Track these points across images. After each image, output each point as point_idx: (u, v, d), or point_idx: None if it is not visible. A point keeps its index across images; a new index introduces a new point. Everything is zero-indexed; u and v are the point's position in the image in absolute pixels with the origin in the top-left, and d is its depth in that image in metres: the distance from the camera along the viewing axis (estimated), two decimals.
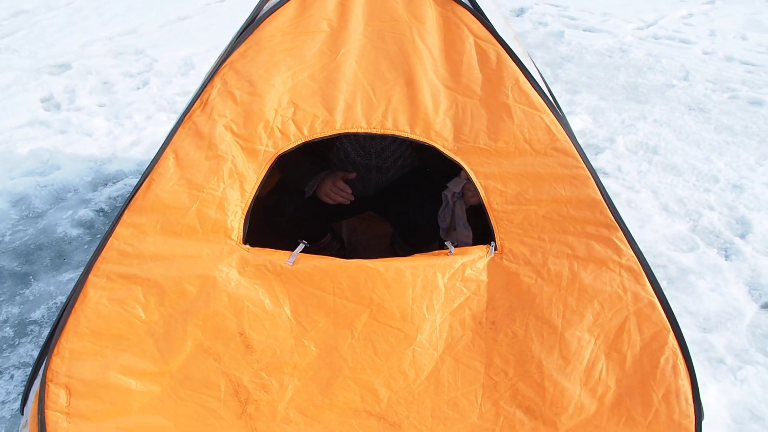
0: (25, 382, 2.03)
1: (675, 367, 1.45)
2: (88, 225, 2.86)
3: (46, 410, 1.48)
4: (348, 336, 1.54)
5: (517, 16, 6.16)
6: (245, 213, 1.49)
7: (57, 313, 2.33)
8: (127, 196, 2.94)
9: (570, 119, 3.87)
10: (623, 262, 1.45)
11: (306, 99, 1.47)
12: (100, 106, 3.96)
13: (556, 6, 6.41)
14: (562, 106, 4.07)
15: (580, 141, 3.63)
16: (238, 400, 1.57)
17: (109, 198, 3.05)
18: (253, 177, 1.48)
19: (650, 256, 2.67)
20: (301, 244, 1.52)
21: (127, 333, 1.49)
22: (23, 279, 2.53)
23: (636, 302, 1.45)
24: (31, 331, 2.27)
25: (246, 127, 1.46)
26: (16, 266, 2.60)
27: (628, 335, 1.47)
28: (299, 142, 1.48)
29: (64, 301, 2.34)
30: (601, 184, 1.45)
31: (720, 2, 6.52)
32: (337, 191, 1.92)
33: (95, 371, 1.49)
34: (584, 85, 4.55)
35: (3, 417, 1.94)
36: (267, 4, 1.51)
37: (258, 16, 1.49)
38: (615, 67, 4.87)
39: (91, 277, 1.45)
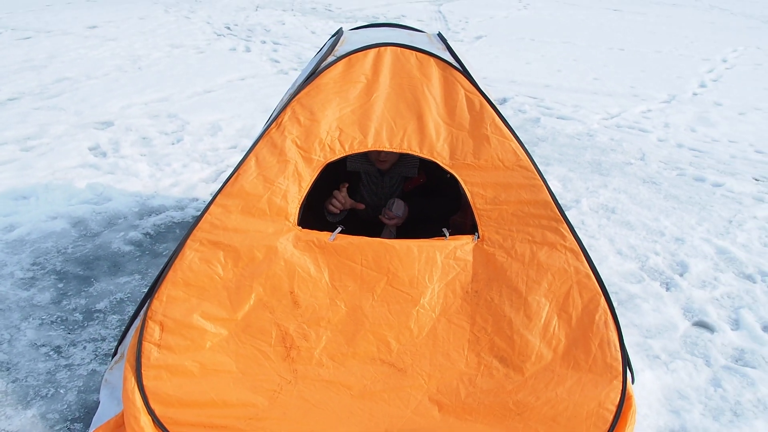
0: (93, 356, 2.50)
1: (606, 322, 2.01)
2: (137, 244, 3.40)
3: (143, 342, 1.98)
4: (370, 298, 2.08)
5: (500, 104, 7.07)
6: (300, 203, 2.08)
7: (118, 305, 2.83)
8: (169, 225, 3.52)
9: None
10: (567, 245, 2.04)
11: (348, 126, 2.10)
12: (142, 155, 4.60)
13: (534, 98, 7.35)
14: None
15: None
16: (284, 346, 2.08)
17: (155, 225, 3.61)
18: (308, 177, 2.08)
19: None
20: (339, 227, 2.10)
21: (209, 286, 2.02)
22: (86, 280, 3.03)
23: (577, 274, 2.03)
24: (97, 317, 2.75)
25: (306, 142, 2.08)
26: (79, 271, 3.11)
27: (572, 299, 2.03)
28: (342, 154, 2.10)
29: (122, 297, 2.88)
30: (551, 190, 2.06)
31: (675, 102, 7.52)
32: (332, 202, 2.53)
33: (183, 313, 2.00)
34: (556, 159, 5.31)
35: (81, 374, 2.39)
36: (324, 63, 2.18)
37: (317, 70, 2.14)
38: (582, 147, 5.67)
39: (189, 241, 2.00)
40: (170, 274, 2.00)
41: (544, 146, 5.63)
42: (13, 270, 3.04)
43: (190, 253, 2.01)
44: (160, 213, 3.76)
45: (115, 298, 2.89)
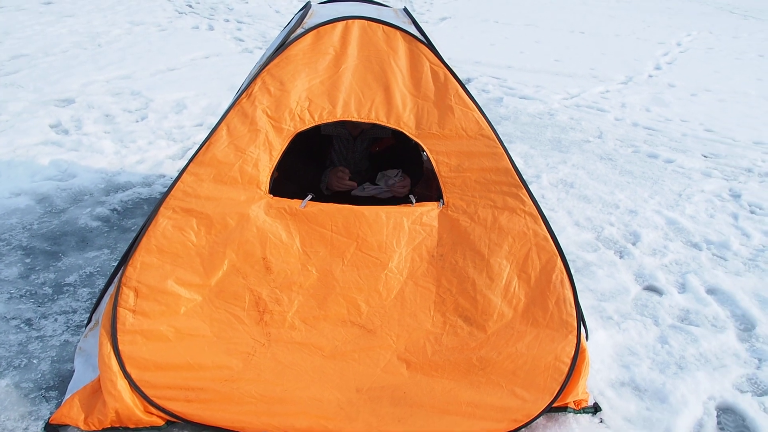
0: (65, 327, 2.52)
1: (562, 281, 2.15)
2: (105, 219, 3.39)
3: (118, 308, 2.03)
4: (340, 263, 2.17)
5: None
6: (271, 171, 2.14)
7: (88, 278, 2.84)
8: (136, 201, 3.53)
9: None
10: (526, 209, 2.16)
11: (317, 96, 2.17)
12: (106, 132, 4.54)
13: (497, 78, 7.49)
14: None
15: None
16: (257, 310, 2.15)
17: (122, 201, 3.60)
18: (278, 146, 2.14)
19: None
20: (310, 195, 2.17)
21: (182, 252, 2.07)
22: (54, 255, 3.02)
23: (536, 237, 2.16)
24: (67, 290, 2.76)
25: (276, 112, 2.13)
26: (46, 246, 3.09)
27: (531, 260, 2.16)
28: (312, 124, 2.16)
29: (92, 271, 2.89)
30: (512, 158, 2.18)
31: (632, 83, 7.78)
32: (339, 180, 2.61)
33: (157, 279, 2.05)
34: (518, 137, 5.46)
35: (53, 345, 2.40)
36: (293, 35, 2.22)
37: (287, 41, 2.19)
38: (543, 126, 5.84)
39: (162, 208, 2.04)
40: (144, 241, 2.04)
41: (507, 125, 5.78)
42: None
43: (164, 221, 2.05)
44: (127, 189, 3.74)
45: (84, 272, 2.89)
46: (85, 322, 2.38)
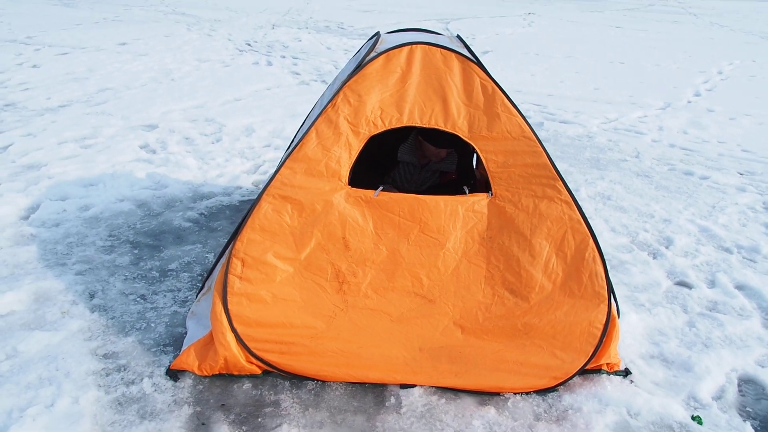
0: (173, 301, 3.02)
1: (594, 258, 2.52)
2: (195, 221, 3.94)
3: (228, 274, 2.51)
4: (406, 242, 2.60)
5: None
6: (350, 167, 2.61)
7: (187, 265, 3.36)
8: (219, 207, 4.05)
9: None
10: (562, 198, 2.55)
11: (388, 106, 2.64)
12: (188, 151, 5.17)
13: (538, 105, 7.91)
14: None
15: None
16: (337, 281, 2.59)
17: (207, 207, 4.15)
18: (356, 147, 2.62)
19: None
20: (381, 186, 2.63)
21: (279, 231, 2.55)
22: (156, 247, 3.56)
23: (570, 221, 2.55)
24: (170, 274, 3.28)
25: (355, 118, 2.62)
26: (149, 241, 3.64)
27: (567, 241, 2.55)
28: (383, 129, 2.64)
29: (189, 260, 3.41)
30: (549, 155, 2.59)
31: (670, 108, 8.05)
32: None
33: (259, 252, 2.53)
34: (558, 157, 5.83)
35: (166, 314, 2.90)
36: (367, 57, 2.73)
37: (363, 62, 2.69)
38: (582, 147, 6.20)
39: (264, 195, 2.53)
40: (250, 221, 2.53)
41: (547, 146, 6.13)
42: (94, 240, 3.58)
43: (265, 205, 2.54)
44: (211, 198, 4.30)
45: (183, 260, 3.41)
46: (193, 295, 2.87)
